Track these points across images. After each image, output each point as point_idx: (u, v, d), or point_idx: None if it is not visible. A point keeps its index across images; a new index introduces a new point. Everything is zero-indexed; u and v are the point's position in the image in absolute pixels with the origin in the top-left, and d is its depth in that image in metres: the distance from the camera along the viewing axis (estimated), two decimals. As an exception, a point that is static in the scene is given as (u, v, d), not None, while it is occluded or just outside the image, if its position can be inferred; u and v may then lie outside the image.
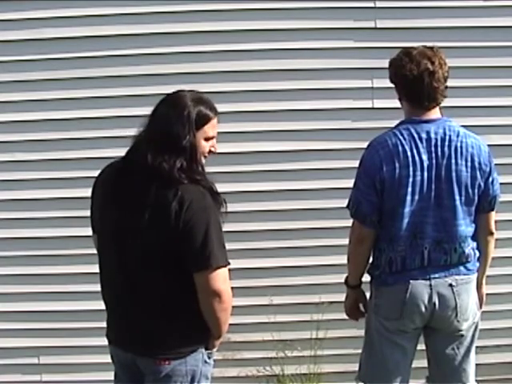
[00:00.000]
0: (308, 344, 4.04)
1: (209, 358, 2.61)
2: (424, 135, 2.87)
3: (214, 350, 2.65)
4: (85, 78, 3.95)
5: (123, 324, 2.58)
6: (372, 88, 3.99)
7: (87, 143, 3.98)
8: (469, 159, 2.88)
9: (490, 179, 2.95)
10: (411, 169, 2.84)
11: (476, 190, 2.91)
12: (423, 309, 2.90)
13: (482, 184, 2.92)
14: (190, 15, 3.95)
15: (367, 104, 4.02)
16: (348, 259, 3.05)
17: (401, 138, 2.87)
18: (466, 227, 2.92)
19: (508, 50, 4.04)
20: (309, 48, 3.99)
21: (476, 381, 3.11)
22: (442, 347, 3.01)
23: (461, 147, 2.88)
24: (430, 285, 2.90)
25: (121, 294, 2.55)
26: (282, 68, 4.00)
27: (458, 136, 2.89)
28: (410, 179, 2.84)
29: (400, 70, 2.91)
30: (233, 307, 2.56)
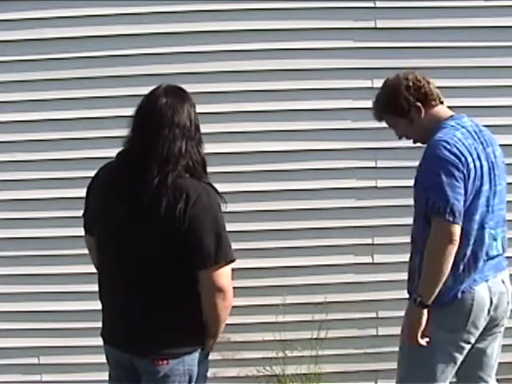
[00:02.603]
0: (308, 344, 4.04)
1: (205, 357, 2.61)
2: (470, 128, 2.89)
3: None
4: (85, 78, 3.95)
5: (121, 324, 2.57)
6: (372, 88, 3.97)
7: (87, 143, 3.98)
8: (498, 148, 2.95)
9: None
10: (481, 159, 2.84)
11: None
12: (487, 313, 2.87)
13: None
14: (190, 15, 3.95)
15: (367, 104, 3.99)
16: (432, 272, 2.74)
17: (463, 131, 2.86)
18: (506, 211, 2.96)
19: (509, 49, 4.04)
20: (309, 48, 3.99)
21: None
22: (486, 344, 2.96)
23: (490, 137, 2.93)
24: (489, 286, 2.86)
25: (120, 293, 2.55)
26: (282, 68, 4.00)
27: (482, 127, 2.94)
28: (483, 169, 2.84)
29: (405, 90, 2.93)
30: (233, 307, 2.55)
